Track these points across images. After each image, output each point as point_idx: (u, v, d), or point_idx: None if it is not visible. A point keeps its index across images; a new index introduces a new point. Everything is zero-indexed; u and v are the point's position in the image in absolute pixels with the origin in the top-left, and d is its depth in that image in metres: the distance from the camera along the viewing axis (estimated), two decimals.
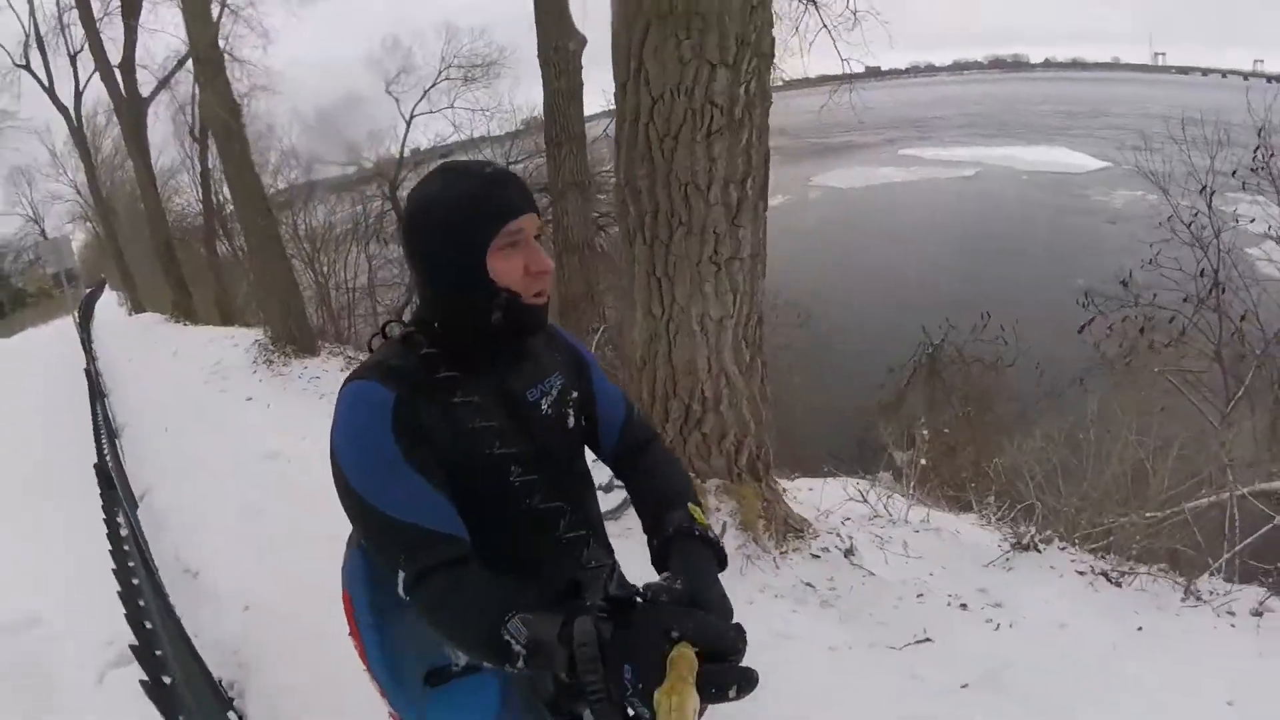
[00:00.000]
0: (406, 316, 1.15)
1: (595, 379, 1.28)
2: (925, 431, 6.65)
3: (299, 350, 9.98)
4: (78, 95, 18.03)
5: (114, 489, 3.62)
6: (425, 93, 19.18)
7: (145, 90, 15.17)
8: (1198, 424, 6.72)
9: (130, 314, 20.70)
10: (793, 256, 18.78)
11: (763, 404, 3.46)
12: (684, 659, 0.78)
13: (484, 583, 0.95)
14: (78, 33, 15.44)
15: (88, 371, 5.21)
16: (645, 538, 1.14)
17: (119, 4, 14.11)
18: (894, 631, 2.86)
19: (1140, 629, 2.92)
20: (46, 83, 17.54)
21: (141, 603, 2.76)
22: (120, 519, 3.54)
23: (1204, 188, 7.79)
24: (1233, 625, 2.92)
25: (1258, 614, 2.95)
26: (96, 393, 4.94)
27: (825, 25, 12.68)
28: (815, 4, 12.54)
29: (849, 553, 3.47)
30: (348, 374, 1.07)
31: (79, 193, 23.74)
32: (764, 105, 2.96)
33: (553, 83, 8.78)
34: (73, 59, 16.99)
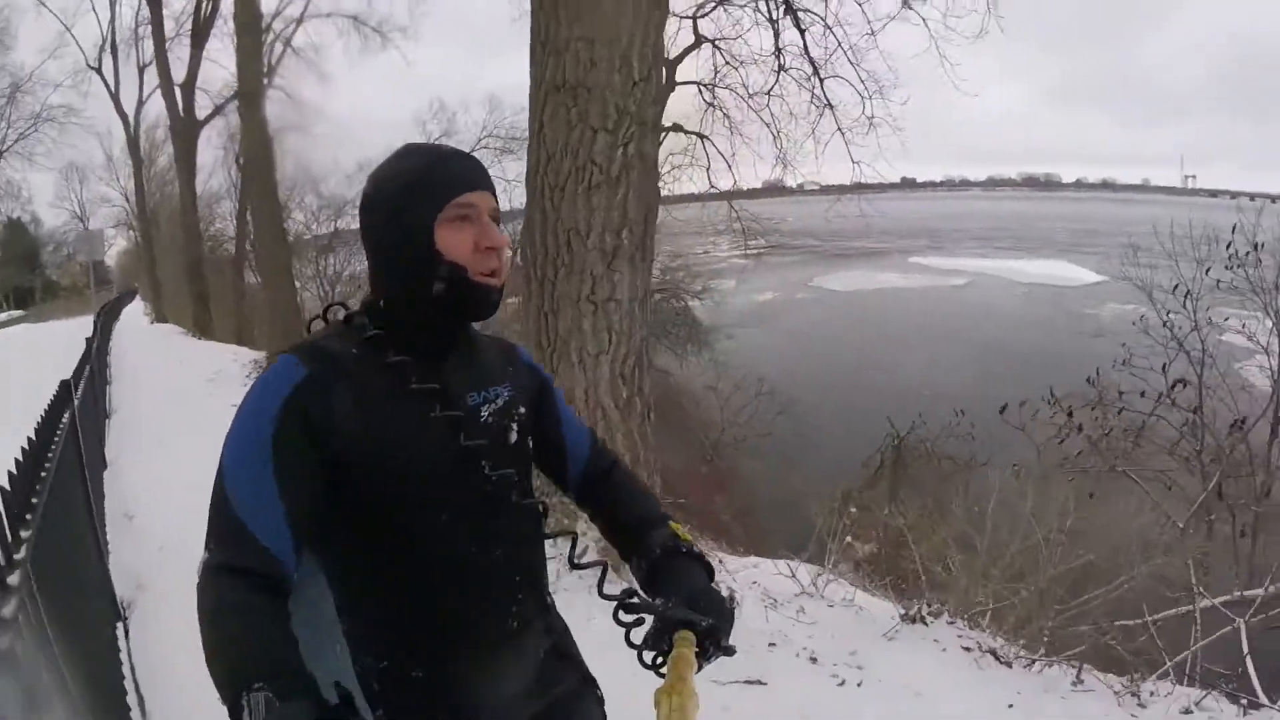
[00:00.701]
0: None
1: (560, 407, 1.23)
2: (853, 509, 7.02)
3: None
4: (139, 106, 19.06)
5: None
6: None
7: (202, 114, 16.32)
8: (1162, 528, 6.79)
9: (152, 323, 21.75)
10: (781, 350, 19.51)
11: (641, 443, 3.88)
12: (683, 659, 0.80)
13: (265, 628, 0.84)
14: (149, 46, 16.33)
15: (88, 354, 5.82)
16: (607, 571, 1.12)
17: (190, 27, 15.34)
18: (729, 670, 2.83)
19: (1010, 706, 3.02)
20: (113, 88, 18.54)
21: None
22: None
23: (1187, 292, 7.82)
24: (1134, 716, 2.99)
25: (1187, 712, 3.00)
26: (90, 364, 5.54)
27: (840, 129, 13.80)
28: (832, 107, 13.64)
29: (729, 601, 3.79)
30: None
31: (127, 200, 24.76)
32: (644, 166, 3.56)
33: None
34: (140, 71, 17.93)
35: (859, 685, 3.06)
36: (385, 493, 0.96)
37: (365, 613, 1.00)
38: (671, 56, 14.45)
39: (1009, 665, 3.49)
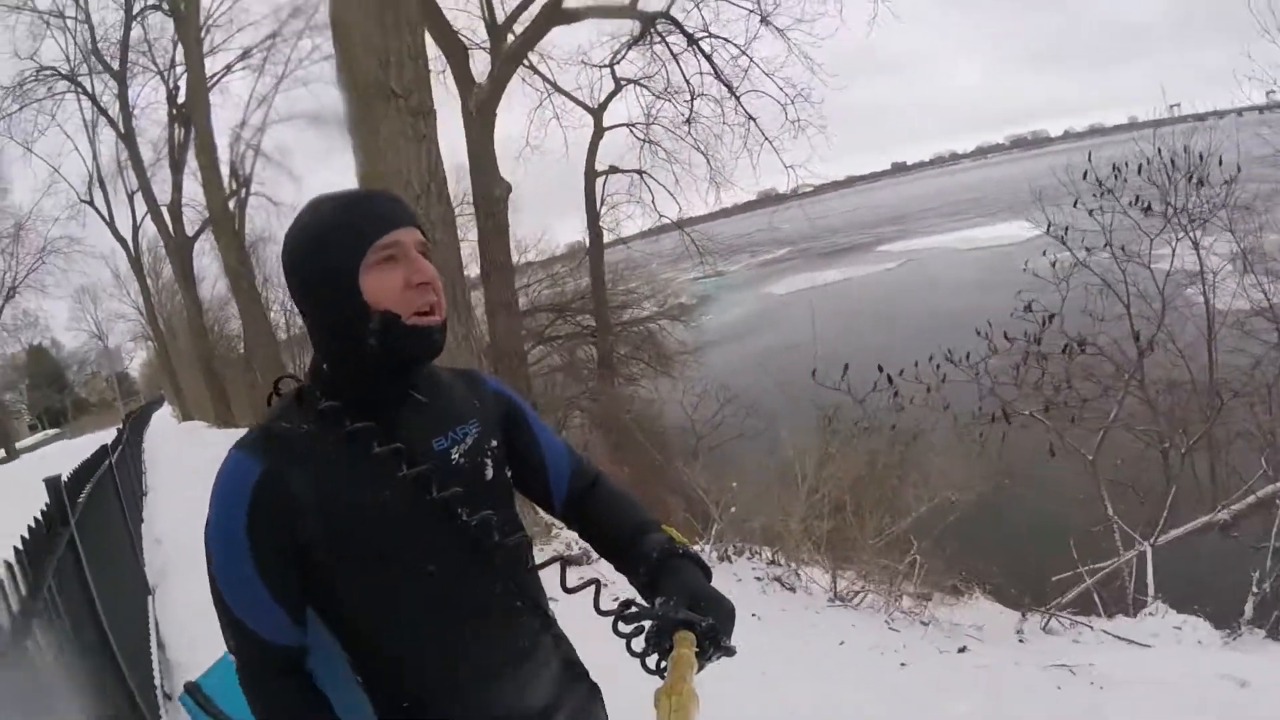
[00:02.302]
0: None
1: (534, 426, 1.21)
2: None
3: None
4: (135, 230, 20.75)
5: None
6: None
7: (191, 229, 17.95)
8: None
9: (180, 422, 24.01)
10: (740, 359, 20.95)
11: None
12: (683, 659, 0.82)
13: (299, 704, 1.01)
14: (134, 176, 17.87)
15: (119, 438, 7.64)
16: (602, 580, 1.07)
17: (167, 153, 16.96)
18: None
19: (754, 615, 4.14)
20: (108, 216, 20.23)
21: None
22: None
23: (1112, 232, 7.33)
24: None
25: (1019, 632, 4.43)
26: (122, 444, 7.36)
27: (767, 138, 14.81)
28: (754, 120, 14.66)
29: (572, 560, 5.32)
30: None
31: (140, 314, 26.82)
32: (441, 251, 4.60)
33: (483, 222, 11.56)
34: (130, 198, 19.23)
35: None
36: (366, 565, 0.98)
37: (377, 666, 1.03)
38: (596, 105, 16.13)
39: (792, 590, 4.74)
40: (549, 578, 1.13)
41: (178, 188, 16.22)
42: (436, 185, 4.77)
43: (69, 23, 15.66)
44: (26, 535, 1.93)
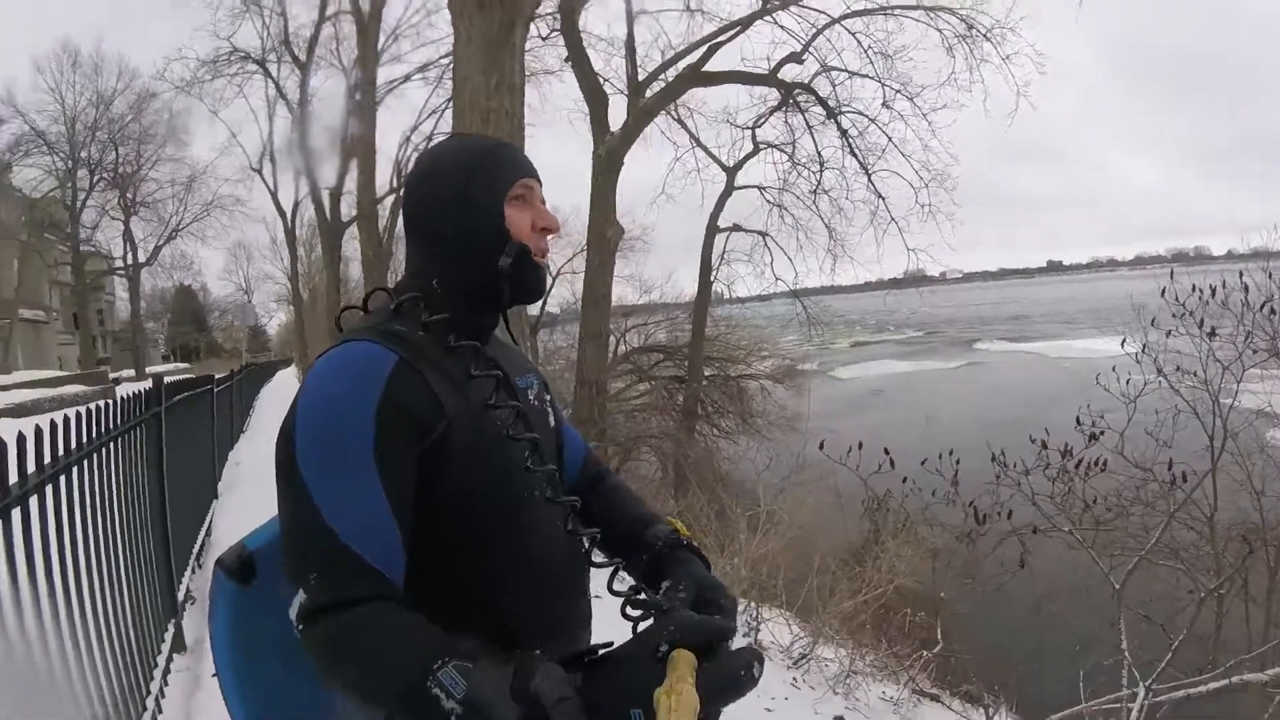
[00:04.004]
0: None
1: (559, 410, 1.23)
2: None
3: None
4: (295, 206, 23.39)
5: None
6: (571, 258, 23.16)
7: (347, 215, 19.24)
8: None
9: (300, 382, 26.58)
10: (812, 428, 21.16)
11: None
12: (683, 658, 0.81)
13: (409, 621, 0.82)
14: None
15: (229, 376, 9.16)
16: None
17: (337, 146, 18.49)
18: None
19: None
20: (273, 187, 22.94)
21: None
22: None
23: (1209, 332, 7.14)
24: None
25: None
26: (231, 383, 8.86)
27: (893, 218, 15.19)
28: (883, 199, 15.06)
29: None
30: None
31: (288, 279, 29.37)
32: None
33: (592, 259, 12.78)
34: (296, 176, 21.43)
35: None
36: (486, 482, 0.95)
37: (460, 602, 0.95)
38: (732, 164, 16.81)
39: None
40: None
41: (341, 176, 17.75)
42: None
43: (265, 12, 17.86)
44: (126, 397, 2.99)
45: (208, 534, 5.14)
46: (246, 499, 5.74)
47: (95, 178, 26.12)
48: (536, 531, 1.01)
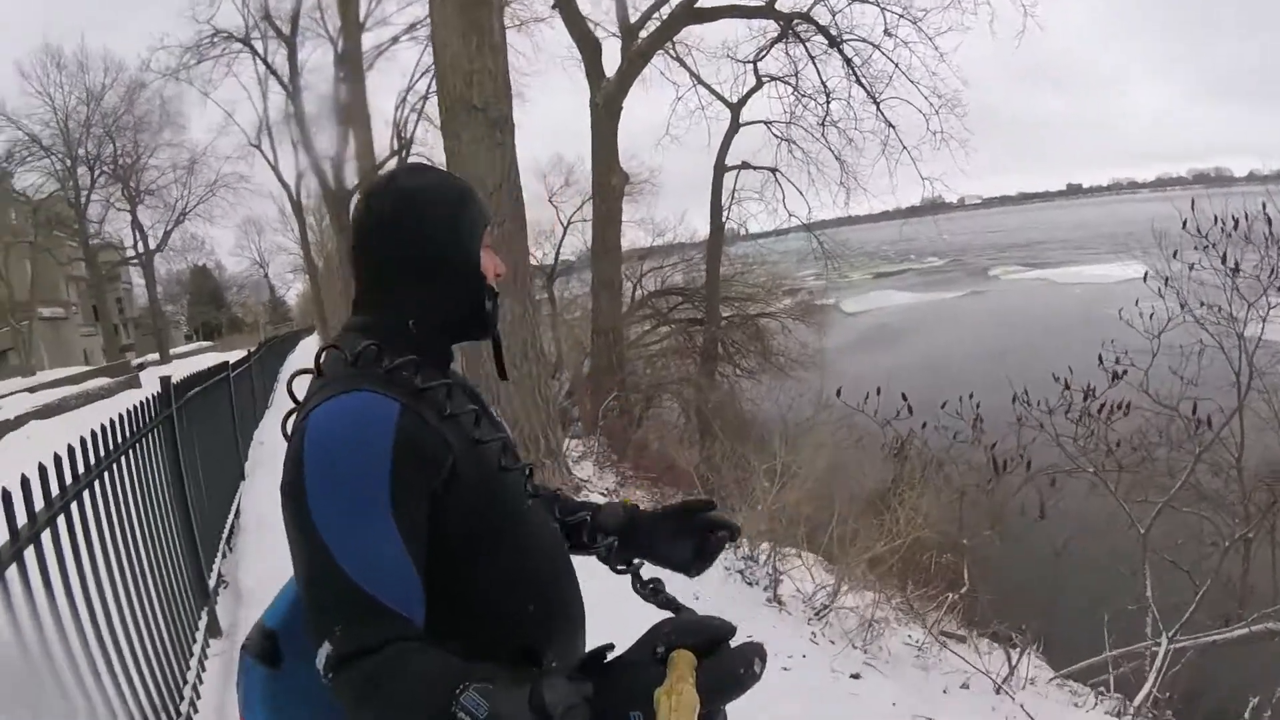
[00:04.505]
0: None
1: None
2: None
3: None
4: (299, 177, 23.28)
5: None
6: (580, 206, 22.82)
7: (351, 182, 19.05)
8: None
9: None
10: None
11: (535, 409, 5.92)
12: (683, 658, 0.81)
13: (431, 657, 0.84)
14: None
15: (247, 357, 9.29)
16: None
17: (331, 114, 18.58)
18: None
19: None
20: (273, 161, 22.82)
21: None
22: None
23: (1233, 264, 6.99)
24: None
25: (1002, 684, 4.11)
26: (249, 364, 9.00)
27: (905, 147, 15.13)
28: (893, 128, 14.97)
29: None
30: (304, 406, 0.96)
31: (301, 249, 29.46)
32: (508, 240, 5.73)
33: (599, 207, 12.71)
34: (295, 147, 20.63)
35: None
36: (491, 508, 0.99)
37: (477, 624, 0.98)
38: (735, 100, 16.54)
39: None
40: None
41: (341, 145, 17.77)
42: (509, 185, 5.76)
43: None
44: (136, 407, 3.07)
45: (236, 516, 5.29)
46: (271, 478, 5.87)
47: (96, 172, 26.23)
48: (536, 544, 1.05)
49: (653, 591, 1.05)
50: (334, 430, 0.90)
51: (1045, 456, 7.64)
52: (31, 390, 16.01)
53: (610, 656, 0.86)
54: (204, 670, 3.17)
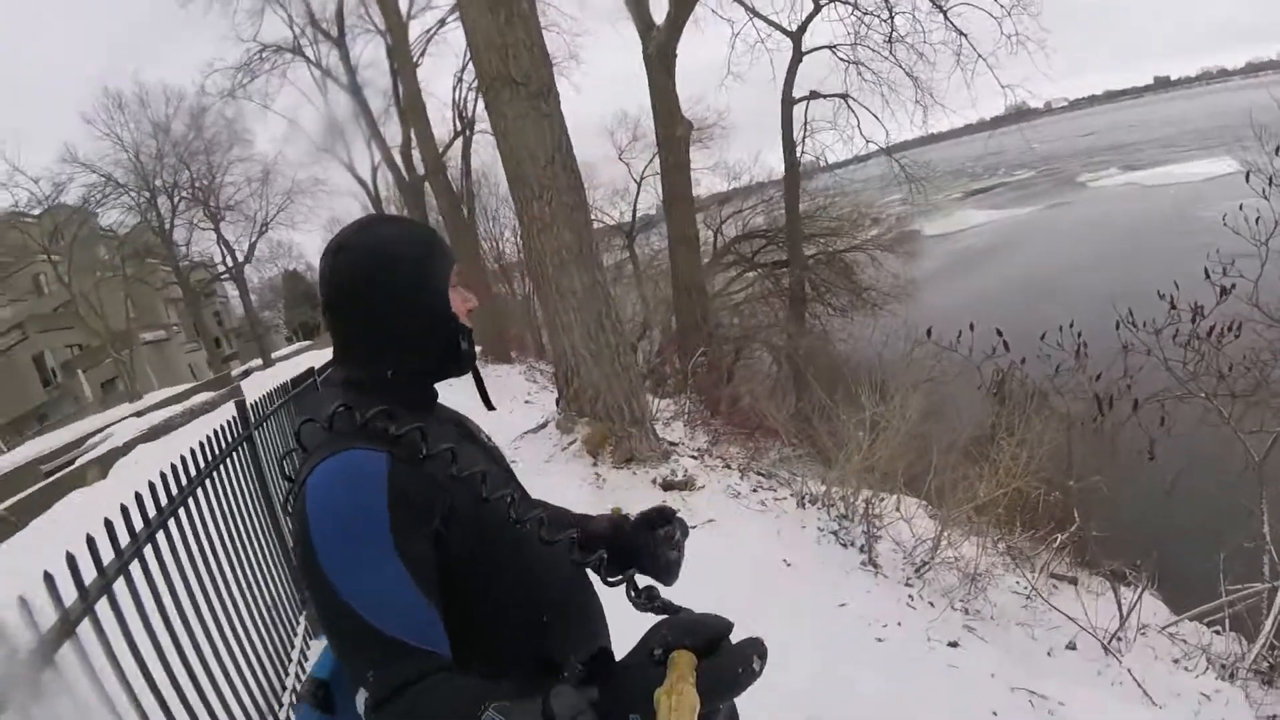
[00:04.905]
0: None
1: None
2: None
3: (495, 359, 14.84)
4: (374, 171, 22.80)
5: None
6: (650, 160, 23.13)
7: (423, 169, 19.28)
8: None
9: None
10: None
11: (615, 378, 5.82)
12: (683, 658, 0.83)
13: (456, 684, 0.89)
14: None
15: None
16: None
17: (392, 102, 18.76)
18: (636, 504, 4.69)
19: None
20: (347, 159, 22.27)
21: None
22: None
23: None
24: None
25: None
26: None
27: (980, 55, 14.57)
28: (965, 36, 14.41)
29: (675, 485, 5.34)
30: (306, 467, 0.97)
31: None
32: (566, 210, 5.57)
33: (665, 160, 12.43)
34: (368, 143, 21.07)
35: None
36: (495, 539, 1.03)
37: (486, 654, 1.02)
38: (795, 29, 15.97)
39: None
40: None
41: (406, 136, 17.94)
42: (561, 155, 5.62)
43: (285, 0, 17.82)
44: (212, 434, 3.19)
45: None
46: None
47: (175, 199, 27.23)
48: (538, 561, 1.08)
49: (647, 598, 1.05)
50: (331, 492, 0.94)
51: (1151, 383, 7.14)
52: (139, 414, 16.85)
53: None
54: (302, 673, 3.26)
